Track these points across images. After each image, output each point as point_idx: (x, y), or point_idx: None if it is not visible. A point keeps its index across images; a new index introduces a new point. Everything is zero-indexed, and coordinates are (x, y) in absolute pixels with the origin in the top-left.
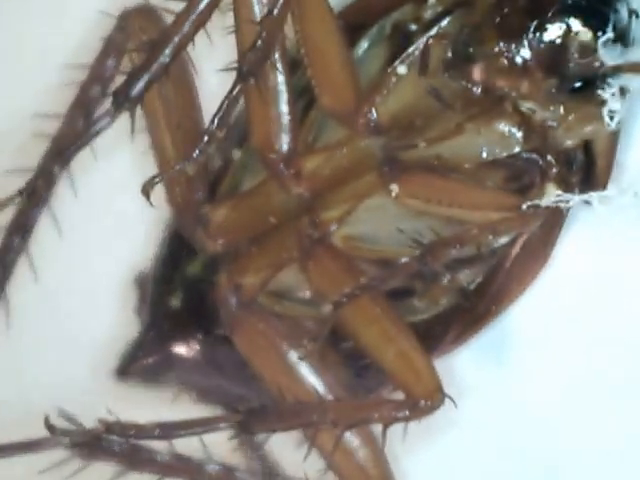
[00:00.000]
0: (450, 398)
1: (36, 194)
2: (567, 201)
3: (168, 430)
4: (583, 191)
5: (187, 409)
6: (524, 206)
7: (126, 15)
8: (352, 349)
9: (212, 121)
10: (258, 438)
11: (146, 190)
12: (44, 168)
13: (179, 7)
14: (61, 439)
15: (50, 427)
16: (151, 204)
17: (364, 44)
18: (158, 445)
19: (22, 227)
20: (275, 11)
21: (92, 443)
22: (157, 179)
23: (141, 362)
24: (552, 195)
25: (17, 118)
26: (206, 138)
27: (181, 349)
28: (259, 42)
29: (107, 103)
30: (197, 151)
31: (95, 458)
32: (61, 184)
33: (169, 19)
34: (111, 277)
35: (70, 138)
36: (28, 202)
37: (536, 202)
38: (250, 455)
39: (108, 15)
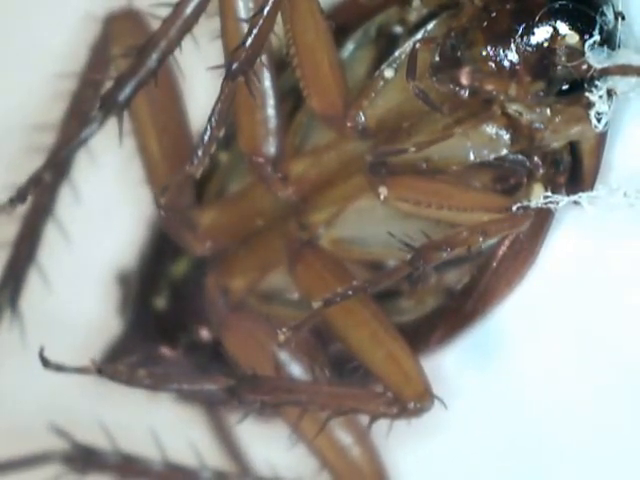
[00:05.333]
0: (440, 400)
1: (26, 201)
2: (557, 202)
3: (158, 381)
4: (570, 191)
5: (167, 408)
6: (514, 207)
7: (110, 19)
8: (339, 351)
9: (209, 121)
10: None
11: (158, 201)
12: (35, 176)
13: (163, 9)
14: (55, 454)
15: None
16: (162, 214)
17: (349, 47)
18: (151, 455)
19: (29, 236)
20: (266, 8)
21: (85, 457)
22: (167, 187)
23: (124, 361)
24: (539, 195)
25: (9, 131)
26: (206, 139)
27: (164, 349)
28: (249, 39)
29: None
30: (200, 153)
31: (89, 471)
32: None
33: (153, 21)
34: (94, 275)
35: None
36: (33, 211)
37: (526, 203)
38: (223, 446)
39: (95, 18)
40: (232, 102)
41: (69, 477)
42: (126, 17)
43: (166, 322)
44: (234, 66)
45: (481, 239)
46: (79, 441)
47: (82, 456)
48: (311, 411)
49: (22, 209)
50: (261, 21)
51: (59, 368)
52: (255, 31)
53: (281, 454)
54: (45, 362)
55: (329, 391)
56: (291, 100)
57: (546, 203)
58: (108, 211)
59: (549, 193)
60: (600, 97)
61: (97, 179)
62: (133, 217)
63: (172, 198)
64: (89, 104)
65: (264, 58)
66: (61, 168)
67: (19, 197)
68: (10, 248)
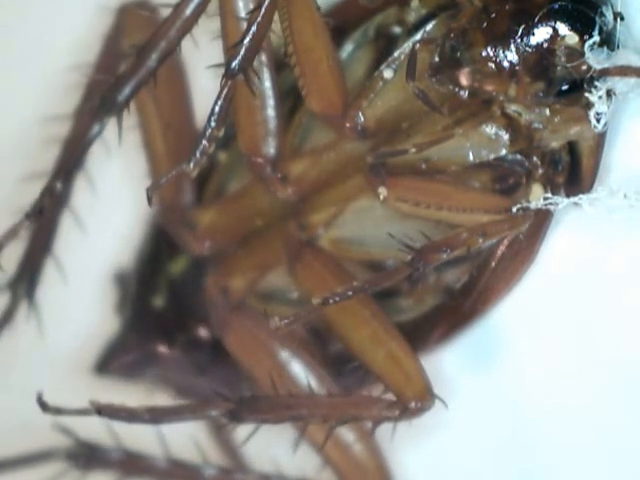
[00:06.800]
0: (440, 399)
1: (43, 213)
2: (556, 203)
3: (158, 415)
4: (568, 191)
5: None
6: (514, 209)
7: (123, 11)
8: (340, 351)
9: (209, 121)
10: (238, 438)
11: (149, 195)
12: (47, 187)
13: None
14: (58, 451)
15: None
16: (152, 207)
17: (348, 47)
18: (154, 451)
19: (45, 231)
20: (263, 5)
21: (89, 453)
22: (160, 183)
23: (122, 359)
24: (538, 195)
25: (24, 123)
26: (205, 139)
27: (163, 348)
28: (247, 37)
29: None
30: (198, 153)
31: (92, 468)
32: None
33: (165, 13)
34: (93, 273)
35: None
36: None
37: (526, 205)
38: (225, 453)
39: (107, 10)
40: (231, 101)
41: (72, 474)
42: (138, 9)
43: (164, 321)
44: (233, 64)
45: (481, 240)
46: (82, 438)
47: (85, 453)
48: (313, 424)
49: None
50: (259, 18)
51: (58, 411)
52: (253, 28)
53: (284, 451)
54: (43, 406)
55: (329, 402)
56: (290, 100)
57: (546, 204)
58: (108, 207)
59: (549, 194)
60: (599, 97)
61: (98, 174)
62: (133, 214)
63: (171, 197)
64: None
65: (264, 58)
66: (71, 175)
67: (34, 211)
68: (26, 240)
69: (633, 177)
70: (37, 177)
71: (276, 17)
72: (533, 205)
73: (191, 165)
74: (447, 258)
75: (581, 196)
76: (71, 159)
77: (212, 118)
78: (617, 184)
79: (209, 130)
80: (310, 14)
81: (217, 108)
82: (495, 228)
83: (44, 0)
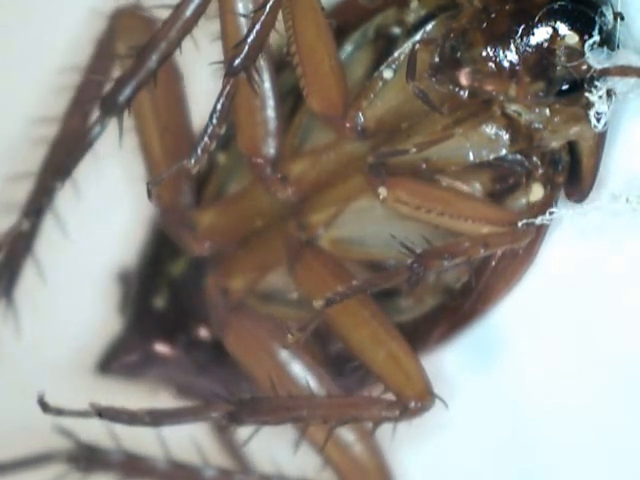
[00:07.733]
0: (441, 399)
1: (41, 212)
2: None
3: (158, 417)
4: (568, 191)
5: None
6: (519, 224)
7: (117, 15)
8: (340, 351)
9: (211, 118)
10: (240, 438)
11: (149, 190)
12: (46, 186)
13: (170, 5)
14: (59, 453)
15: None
16: (152, 203)
17: (348, 48)
18: (154, 452)
19: (28, 233)
20: (268, 4)
21: (89, 456)
22: (160, 178)
23: (123, 359)
24: (538, 195)
25: (15, 123)
26: (207, 136)
27: (163, 348)
28: (251, 35)
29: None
30: (199, 149)
31: (93, 470)
32: None
33: (159, 19)
34: (94, 273)
35: (67, 147)
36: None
37: (531, 220)
38: (228, 454)
39: (101, 14)
40: (233, 99)
41: (73, 476)
42: (132, 13)
43: (165, 321)
44: (236, 62)
45: (482, 250)
46: (83, 440)
47: (86, 455)
48: (313, 425)
49: (21, 201)
50: (263, 17)
51: (59, 412)
52: (257, 27)
53: (284, 451)
54: (45, 407)
55: (329, 403)
56: (290, 101)
57: (551, 220)
58: (108, 208)
59: (554, 209)
60: (599, 97)
61: (98, 176)
62: (133, 215)
63: (171, 198)
64: (92, 98)
65: (264, 58)
66: (68, 175)
67: (34, 212)
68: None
69: (634, 179)
70: (24, 177)
71: (279, 17)
72: (538, 221)
73: (192, 161)
74: (448, 265)
75: (584, 206)
76: (70, 159)
77: (214, 115)
78: (617, 186)
79: (211, 127)
80: (314, 15)
81: (219, 106)
82: (497, 240)
83: (44, 0)
